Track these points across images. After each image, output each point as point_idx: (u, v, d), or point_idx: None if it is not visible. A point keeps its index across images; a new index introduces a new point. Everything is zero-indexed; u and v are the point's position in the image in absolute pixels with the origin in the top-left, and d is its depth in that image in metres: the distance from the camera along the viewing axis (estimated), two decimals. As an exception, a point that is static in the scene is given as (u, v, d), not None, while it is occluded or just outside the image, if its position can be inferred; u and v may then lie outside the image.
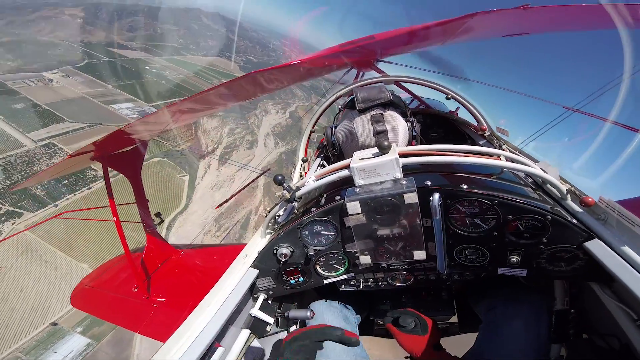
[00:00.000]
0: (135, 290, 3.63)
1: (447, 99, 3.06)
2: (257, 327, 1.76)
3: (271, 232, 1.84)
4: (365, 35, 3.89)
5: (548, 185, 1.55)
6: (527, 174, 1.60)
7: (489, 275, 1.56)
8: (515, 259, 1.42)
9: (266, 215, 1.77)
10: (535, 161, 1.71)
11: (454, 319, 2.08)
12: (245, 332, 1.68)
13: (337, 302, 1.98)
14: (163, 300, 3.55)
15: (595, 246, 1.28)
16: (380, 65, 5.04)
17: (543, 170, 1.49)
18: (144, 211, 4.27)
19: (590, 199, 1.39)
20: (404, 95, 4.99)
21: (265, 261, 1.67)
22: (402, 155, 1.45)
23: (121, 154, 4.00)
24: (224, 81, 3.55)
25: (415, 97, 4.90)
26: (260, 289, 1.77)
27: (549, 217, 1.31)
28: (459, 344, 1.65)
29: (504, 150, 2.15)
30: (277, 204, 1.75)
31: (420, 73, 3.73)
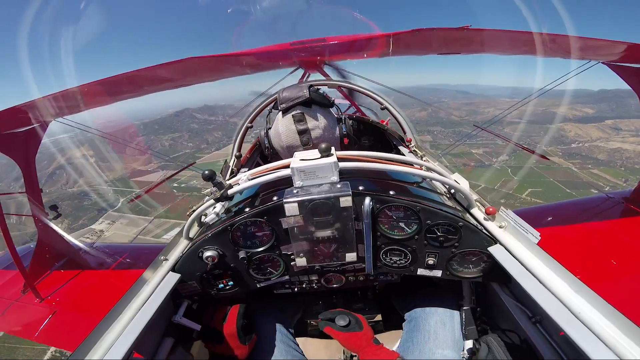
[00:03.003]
0: (24, 292, 3.20)
1: (382, 109, 3.28)
2: (182, 335, 1.66)
3: (196, 233, 1.73)
4: (317, 37, 4.00)
5: (460, 194, 1.73)
6: (444, 184, 1.74)
7: (411, 275, 1.67)
8: (432, 260, 1.56)
9: (189, 214, 1.63)
10: (451, 172, 1.89)
11: (379, 317, 2.22)
12: (169, 341, 1.57)
13: (271, 305, 1.97)
14: (63, 303, 3.11)
15: (496, 250, 1.44)
16: (327, 69, 5.23)
17: (456, 181, 1.68)
18: (37, 203, 3.74)
19: (492, 209, 1.57)
20: (344, 101, 5.25)
21: (188, 265, 1.57)
22: (340, 159, 1.51)
23: (12, 134, 3.43)
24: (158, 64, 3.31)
25: (353, 104, 5.19)
26: (184, 294, 1.67)
27: (461, 223, 1.46)
28: (385, 340, 1.74)
29: (425, 161, 2.34)
30: (202, 203, 1.64)
31: (362, 81, 3.94)
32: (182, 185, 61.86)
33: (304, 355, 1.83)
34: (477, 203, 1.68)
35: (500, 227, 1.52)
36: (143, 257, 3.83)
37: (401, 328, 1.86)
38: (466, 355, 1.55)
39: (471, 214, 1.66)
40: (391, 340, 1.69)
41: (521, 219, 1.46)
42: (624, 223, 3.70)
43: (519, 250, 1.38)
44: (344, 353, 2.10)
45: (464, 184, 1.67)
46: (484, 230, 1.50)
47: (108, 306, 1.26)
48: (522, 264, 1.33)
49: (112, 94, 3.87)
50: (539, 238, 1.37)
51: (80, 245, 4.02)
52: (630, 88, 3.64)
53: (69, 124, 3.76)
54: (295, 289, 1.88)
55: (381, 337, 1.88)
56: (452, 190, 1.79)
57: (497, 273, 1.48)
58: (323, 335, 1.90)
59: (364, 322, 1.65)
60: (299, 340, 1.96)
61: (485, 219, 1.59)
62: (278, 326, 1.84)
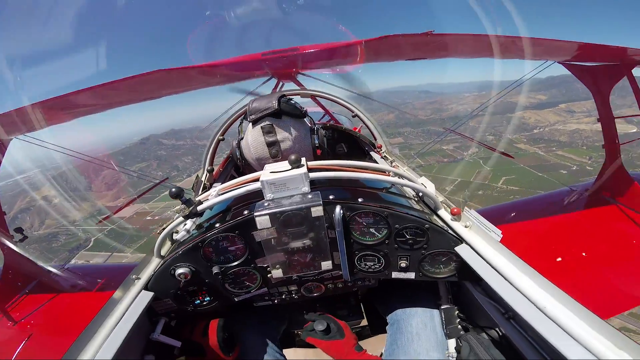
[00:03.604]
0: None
1: (353, 116, 3.39)
2: (163, 352, 1.62)
3: (167, 251, 1.73)
4: (290, 47, 4.05)
5: (427, 197, 1.81)
6: (411, 188, 1.81)
7: (387, 279, 1.71)
8: (404, 263, 1.61)
9: (159, 232, 1.63)
10: (419, 176, 1.99)
11: (364, 322, 2.20)
12: (150, 358, 1.54)
13: (254, 318, 1.97)
14: (38, 326, 3.03)
15: (463, 250, 1.49)
16: (300, 78, 5.30)
17: (423, 185, 1.76)
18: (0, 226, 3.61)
19: (457, 209, 1.66)
20: (317, 109, 5.33)
21: (160, 282, 1.56)
22: (311, 170, 1.53)
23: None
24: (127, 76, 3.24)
25: (327, 112, 5.28)
26: (160, 312, 1.66)
27: (427, 225, 1.52)
28: (373, 345, 1.78)
29: (394, 166, 2.42)
30: (172, 220, 1.64)
31: (334, 90, 4.04)
32: (156, 217, 59.60)
33: None
34: (443, 204, 1.76)
35: (465, 226, 1.60)
36: (118, 276, 3.79)
37: (385, 332, 1.88)
38: (451, 354, 1.58)
39: (438, 216, 1.73)
40: (378, 344, 1.72)
41: (484, 218, 1.53)
42: (588, 215, 4.00)
43: (483, 248, 1.44)
44: None
45: (430, 187, 1.76)
46: (450, 231, 1.57)
47: (77, 328, 1.24)
48: (487, 262, 1.38)
49: (75, 107, 3.77)
50: (501, 236, 1.45)
51: (51, 267, 3.87)
52: (583, 85, 4.01)
53: (34, 142, 3.69)
54: (276, 301, 1.88)
55: (368, 342, 1.88)
56: (420, 194, 1.86)
57: (467, 272, 1.52)
58: (310, 345, 1.89)
59: (346, 330, 1.69)
60: (287, 351, 1.96)
61: (451, 219, 1.67)
62: (263, 339, 1.84)
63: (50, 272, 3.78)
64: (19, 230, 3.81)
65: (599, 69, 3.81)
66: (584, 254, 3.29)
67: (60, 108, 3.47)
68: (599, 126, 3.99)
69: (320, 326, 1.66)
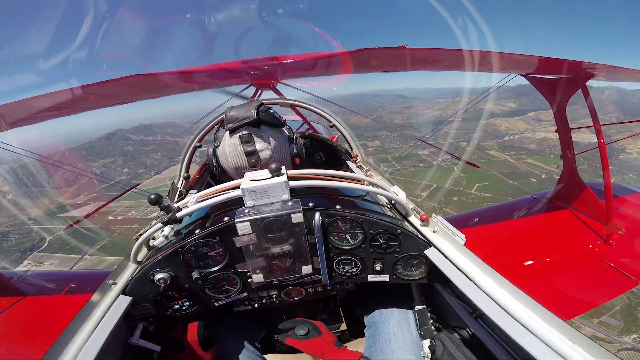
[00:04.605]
0: None
1: (331, 126, 3.52)
2: (142, 357, 1.66)
3: (144, 257, 1.76)
4: (269, 56, 4.15)
5: (398, 205, 1.95)
6: (385, 196, 1.94)
7: (364, 282, 1.82)
8: (379, 266, 1.72)
9: (136, 238, 1.66)
10: (391, 184, 2.13)
11: (344, 326, 2.27)
12: None
13: (234, 322, 2.00)
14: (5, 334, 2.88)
15: (431, 253, 1.60)
16: (279, 87, 5.39)
17: (395, 193, 1.90)
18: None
19: (425, 216, 1.79)
20: (297, 118, 5.45)
21: (139, 287, 1.59)
22: (291, 178, 1.61)
23: None
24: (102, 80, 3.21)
25: (306, 121, 5.43)
26: (138, 317, 1.68)
27: (399, 230, 1.64)
28: (352, 347, 1.80)
29: (369, 175, 2.57)
30: (150, 226, 1.67)
31: (307, 96, 4.15)
32: (119, 217, 56.83)
33: None
34: (414, 211, 1.93)
35: (433, 231, 1.74)
36: (85, 283, 3.73)
37: (365, 334, 2.00)
38: (426, 354, 1.70)
39: (408, 221, 1.90)
40: (357, 347, 1.80)
41: (449, 224, 1.68)
42: (547, 221, 4.36)
43: (449, 251, 1.57)
44: None
45: (401, 195, 1.92)
46: (419, 236, 1.70)
47: (51, 334, 1.26)
48: (453, 264, 1.50)
49: (44, 111, 3.66)
50: (465, 239, 1.57)
51: (12, 274, 3.71)
52: (543, 97, 4.37)
53: None
54: (256, 305, 1.93)
55: (347, 345, 1.99)
56: (393, 201, 2.02)
57: (436, 274, 1.63)
58: (291, 350, 1.98)
59: (322, 328, 1.76)
60: (268, 356, 2.02)
61: (420, 225, 1.83)
62: (243, 343, 1.88)
63: (10, 278, 3.63)
64: None
65: (556, 81, 4.14)
66: (547, 259, 3.61)
67: (20, 113, 3.35)
68: (590, 148, 4.33)
69: (301, 331, 1.72)
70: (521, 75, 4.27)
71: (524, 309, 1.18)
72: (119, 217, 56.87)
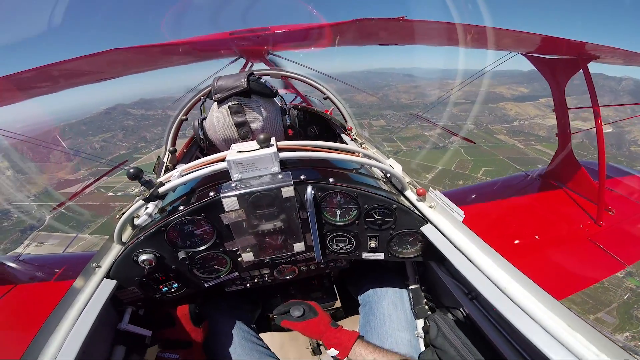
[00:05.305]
0: None
1: (325, 98, 3.41)
2: (134, 342, 1.62)
3: (129, 237, 1.69)
4: (260, 26, 4.02)
5: (394, 178, 1.84)
6: (380, 169, 1.84)
7: (358, 259, 1.75)
8: (374, 243, 1.65)
9: (119, 217, 1.57)
10: (387, 157, 2.00)
11: (338, 304, 2.25)
12: (121, 349, 1.54)
13: (226, 303, 1.96)
14: None
15: (428, 230, 1.53)
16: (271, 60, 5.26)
17: (391, 166, 1.78)
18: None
19: (422, 190, 1.69)
20: (289, 90, 5.35)
21: (123, 270, 1.52)
22: (281, 150, 1.52)
23: None
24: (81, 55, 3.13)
25: (299, 94, 5.28)
26: (125, 301, 1.63)
27: (395, 205, 1.56)
28: (346, 326, 1.79)
29: (364, 148, 2.47)
30: (132, 204, 1.57)
31: (306, 71, 4.06)
32: (119, 193, 57.41)
33: (270, 349, 1.87)
34: (410, 185, 1.82)
35: (430, 207, 1.64)
36: (78, 267, 3.70)
37: (359, 312, 1.98)
38: (420, 333, 1.70)
39: (405, 196, 1.80)
40: (351, 326, 1.79)
41: (447, 199, 1.59)
42: (540, 199, 4.36)
43: (447, 228, 1.49)
44: (310, 342, 2.21)
45: (397, 169, 1.80)
46: (416, 211, 1.61)
47: (38, 321, 1.22)
48: (450, 241, 1.43)
49: (23, 89, 3.58)
50: (464, 216, 1.49)
51: (4, 258, 3.75)
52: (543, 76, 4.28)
53: None
54: (248, 285, 1.89)
55: (341, 323, 1.95)
56: (388, 175, 1.92)
57: (432, 252, 1.59)
58: (288, 329, 1.99)
59: (317, 308, 1.72)
60: (264, 335, 1.97)
61: (417, 200, 1.73)
62: (238, 323, 1.83)
63: (3, 263, 3.66)
64: None
65: (557, 61, 4.04)
66: (536, 236, 3.62)
67: (3, 90, 3.30)
68: (576, 124, 4.29)
69: (297, 312, 1.67)
70: (522, 54, 4.14)
71: (522, 292, 1.14)
72: (119, 193, 57.42)
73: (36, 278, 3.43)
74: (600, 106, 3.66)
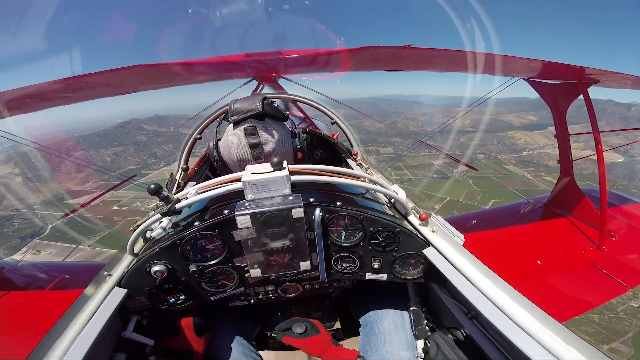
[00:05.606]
0: None
1: (332, 123, 3.57)
2: (135, 350, 1.65)
3: (141, 249, 1.76)
4: (272, 50, 4.24)
5: (398, 203, 1.95)
6: (384, 194, 1.94)
7: (360, 280, 1.82)
8: (377, 264, 1.73)
9: (133, 229, 1.65)
10: (391, 183, 2.13)
11: (338, 325, 2.28)
12: (122, 356, 1.58)
13: (228, 318, 2.00)
14: None
15: (430, 253, 1.62)
16: (281, 82, 5.49)
17: (395, 191, 1.90)
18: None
19: (425, 215, 1.79)
20: (298, 114, 5.53)
21: (135, 280, 1.59)
22: (292, 173, 1.62)
23: None
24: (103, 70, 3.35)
25: (307, 117, 5.48)
26: (132, 309, 1.68)
27: (399, 229, 1.65)
28: (347, 346, 1.76)
29: (369, 173, 2.56)
30: (147, 217, 1.67)
31: (314, 95, 4.23)
32: (124, 208, 57.83)
33: None
34: (413, 210, 1.93)
35: (432, 231, 1.73)
36: (75, 275, 3.76)
37: (359, 333, 2.02)
38: (420, 354, 1.72)
39: (408, 221, 1.90)
40: (351, 346, 1.81)
41: (449, 224, 1.69)
42: (542, 225, 4.39)
43: (448, 251, 1.58)
44: None
45: (401, 194, 1.92)
46: (418, 235, 1.71)
47: (38, 327, 1.23)
48: (451, 264, 1.51)
49: (46, 100, 3.79)
50: (464, 240, 1.59)
51: (3, 264, 3.77)
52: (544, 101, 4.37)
53: None
54: (252, 301, 1.94)
55: (342, 344, 2.03)
56: (392, 200, 2.02)
57: (433, 274, 1.66)
58: (285, 347, 1.98)
59: (319, 326, 1.76)
60: (262, 353, 2.00)
61: (420, 224, 1.83)
62: (238, 339, 1.87)
63: (2, 268, 3.68)
64: None
65: (558, 86, 4.14)
66: (538, 262, 3.64)
67: (26, 100, 3.46)
68: (587, 153, 4.35)
69: (299, 329, 1.72)
70: (524, 79, 4.27)
71: (520, 310, 1.20)
72: (123, 208, 57.67)
73: (36, 283, 3.49)
74: (601, 132, 3.73)
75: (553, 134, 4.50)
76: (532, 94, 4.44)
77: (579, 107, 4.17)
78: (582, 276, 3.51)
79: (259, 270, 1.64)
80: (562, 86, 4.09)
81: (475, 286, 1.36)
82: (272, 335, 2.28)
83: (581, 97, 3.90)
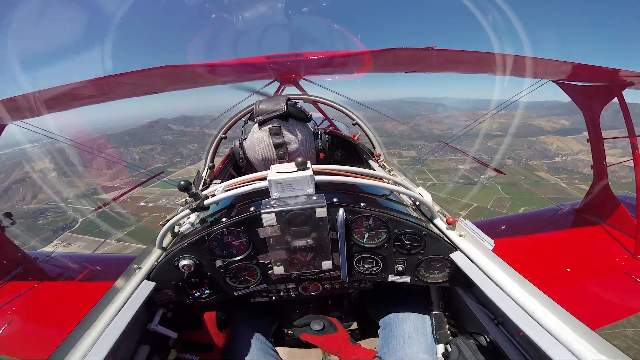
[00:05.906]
0: None
1: (353, 124, 3.57)
2: (158, 343, 1.71)
3: (169, 243, 1.82)
4: (294, 52, 4.31)
5: (423, 206, 1.92)
6: (409, 197, 1.93)
7: (382, 282, 1.81)
8: (401, 267, 1.72)
9: (163, 224, 1.72)
10: (416, 186, 2.09)
11: (355, 325, 2.30)
12: (145, 348, 1.62)
13: (248, 314, 2.05)
14: (19, 313, 3.08)
15: (457, 257, 1.60)
16: (302, 83, 5.55)
17: (420, 194, 1.86)
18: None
19: (452, 219, 1.76)
20: (318, 115, 5.56)
21: (163, 273, 1.64)
22: (316, 173, 1.64)
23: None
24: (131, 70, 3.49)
25: (327, 118, 5.51)
26: (158, 302, 1.73)
27: (424, 232, 1.64)
28: (363, 346, 1.78)
29: (392, 175, 2.56)
30: (176, 213, 1.71)
31: (335, 97, 4.25)
32: (150, 204, 59.84)
33: None
34: (439, 214, 1.90)
35: (460, 235, 1.71)
36: (105, 267, 3.90)
37: (376, 335, 2.00)
38: (440, 358, 1.71)
39: (434, 224, 1.88)
40: (368, 347, 1.81)
41: (477, 228, 1.65)
42: (574, 232, 4.19)
43: (476, 256, 1.56)
44: (323, 358, 2.24)
45: (427, 197, 1.89)
46: (445, 239, 1.69)
47: (68, 316, 1.29)
48: (480, 268, 1.49)
49: (78, 99, 3.95)
50: (493, 245, 1.56)
51: (37, 255, 3.95)
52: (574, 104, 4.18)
53: (28, 127, 3.81)
54: (273, 298, 1.97)
55: (360, 344, 2.06)
56: (417, 202, 2.01)
57: (459, 278, 1.65)
58: (301, 344, 2.00)
59: (337, 324, 1.79)
60: (278, 350, 2.03)
61: (446, 228, 1.80)
62: (256, 335, 1.91)
63: (36, 259, 3.86)
64: (8, 215, 3.86)
65: (590, 89, 3.95)
66: (568, 269, 3.49)
67: (60, 98, 3.60)
68: (624, 160, 4.14)
69: (317, 326, 1.75)
70: (553, 81, 4.11)
71: (551, 317, 1.18)
72: (150, 204, 59.78)
73: (63, 276, 3.64)
74: (638, 136, 3.54)
75: (586, 139, 4.29)
76: (563, 97, 4.24)
77: (615, 112, 3.96)
78: (615, 284, 3.35)
79: (281, 267, 1.68)
80: (594, 89, 3.91)
81: (504, 291, 1.34)
82: (289, 332, 2.31)
83: (616, 100, 3.70)
